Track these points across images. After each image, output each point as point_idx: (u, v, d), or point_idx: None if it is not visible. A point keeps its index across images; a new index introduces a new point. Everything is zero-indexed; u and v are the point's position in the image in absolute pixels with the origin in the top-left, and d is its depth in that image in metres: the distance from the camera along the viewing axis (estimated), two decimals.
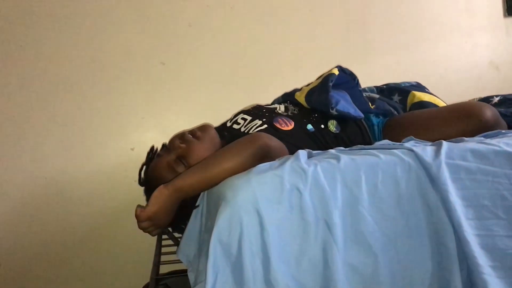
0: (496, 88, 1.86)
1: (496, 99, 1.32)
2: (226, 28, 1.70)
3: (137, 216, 0.86)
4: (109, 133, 1.57)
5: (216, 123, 1.31)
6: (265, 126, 1.13)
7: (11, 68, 1.48)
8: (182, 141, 1.07)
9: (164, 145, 1.15)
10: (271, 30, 1.74)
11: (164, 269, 1.08)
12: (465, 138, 0.89)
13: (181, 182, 0.88)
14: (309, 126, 1.16)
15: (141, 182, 1.10)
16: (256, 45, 1.72)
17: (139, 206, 0.88)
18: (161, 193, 0.88)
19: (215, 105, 1.65)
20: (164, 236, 1.21)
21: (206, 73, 1.66)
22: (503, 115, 1.13)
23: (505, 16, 2.02)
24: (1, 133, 1.47)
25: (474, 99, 1.43)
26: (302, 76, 1.48)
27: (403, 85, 1.45)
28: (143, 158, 1.13)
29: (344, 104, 1.16)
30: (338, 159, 0.80)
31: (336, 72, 1.19)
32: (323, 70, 1.27)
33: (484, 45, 1.99)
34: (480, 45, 1.98)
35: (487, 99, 1.35)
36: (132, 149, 1.58)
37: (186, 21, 1.65)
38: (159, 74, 1.62)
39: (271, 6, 1.74)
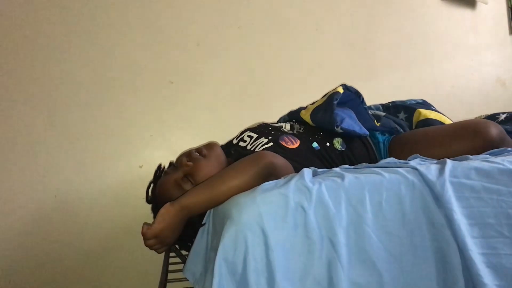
0: (503, 105, 1.86)
1: (502, 116, 1.33)
2: (233, 48, 1.72)
3: (143, 234, 0.87)
4: (118, 150, 1.58)
5: (223, 140, 1.33)
6: (271, 144, 1.14)
7: (22, 86, 1.51)
8: (189, 159, 1.07)
9: (171, 163, 1.17)
10: (278, 49, 1.76)
11: (170, 287, 1.08)
12: (470, 156, 0.89)
13: (187, 200, 0.89)
14: (315, 144, 1.16)
15: (148, 200, 1.11)
16: (262, 64, 1.74)
17: (145, 223, 0.89)
18: (168, 211, 0.88)
19: (223, 123, 1.67)
20: (172, 254, 1.22)
21: (214, 92, 1.68)
22: (509, 132, 1.13)
23: (511, 33, 2.03)
24: (12, 151, 1.49)
25: (480, 116, 1.44)
26: (308, 94, 1.50)
27: (409, 102, 1.46)
28: (151, 175, 1.15)
29: (349, 122, 1.17)
30: (342, 177, 0.81)
31: (341, 90, 1.21)
32: (328, 88, 1.28)
33: (491, 63, 1.99)
34: (486, 63, 1.99)
35: (493, 116, 1.35)
36: (141, 167, 1.59)
37: (195, 40, 1.68)
38: (167, 92, 1.64)
39: (278, 26, 1.77)
